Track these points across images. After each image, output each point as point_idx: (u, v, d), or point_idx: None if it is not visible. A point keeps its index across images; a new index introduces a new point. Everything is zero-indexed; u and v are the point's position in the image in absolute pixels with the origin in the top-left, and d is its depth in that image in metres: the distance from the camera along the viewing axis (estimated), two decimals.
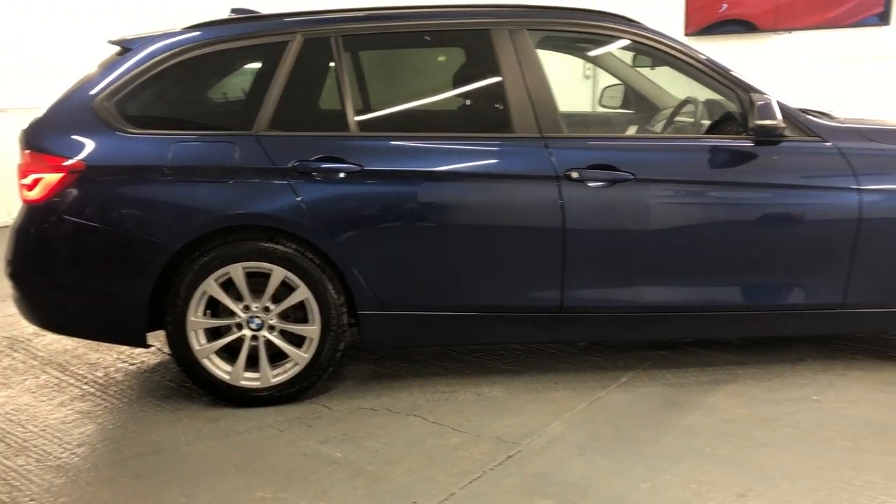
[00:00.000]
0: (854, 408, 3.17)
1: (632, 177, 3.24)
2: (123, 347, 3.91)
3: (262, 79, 3.33)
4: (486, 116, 3.53)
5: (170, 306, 3.22)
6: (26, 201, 3.23)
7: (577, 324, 3.40)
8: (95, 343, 3.95)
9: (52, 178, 3.17)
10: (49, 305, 3.35)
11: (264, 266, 3.22)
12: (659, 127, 4.14)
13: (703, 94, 3.73)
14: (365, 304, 3.29)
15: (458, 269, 3.29)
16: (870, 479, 2.63)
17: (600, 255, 3.31)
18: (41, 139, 3.23)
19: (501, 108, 3.34)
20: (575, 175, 3.22)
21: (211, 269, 3.19)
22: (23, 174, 3.24)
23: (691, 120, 3.86)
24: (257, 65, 3.42)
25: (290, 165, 3.18)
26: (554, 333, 3.46)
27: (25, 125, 3.32)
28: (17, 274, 3.30)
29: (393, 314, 3.32)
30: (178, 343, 3.26)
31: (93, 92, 3.25)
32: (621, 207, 3.27)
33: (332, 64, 3.31)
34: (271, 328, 3.29)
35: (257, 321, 3.28)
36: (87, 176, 3.15)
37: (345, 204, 3.20)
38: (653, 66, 4.18)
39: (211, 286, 3.22)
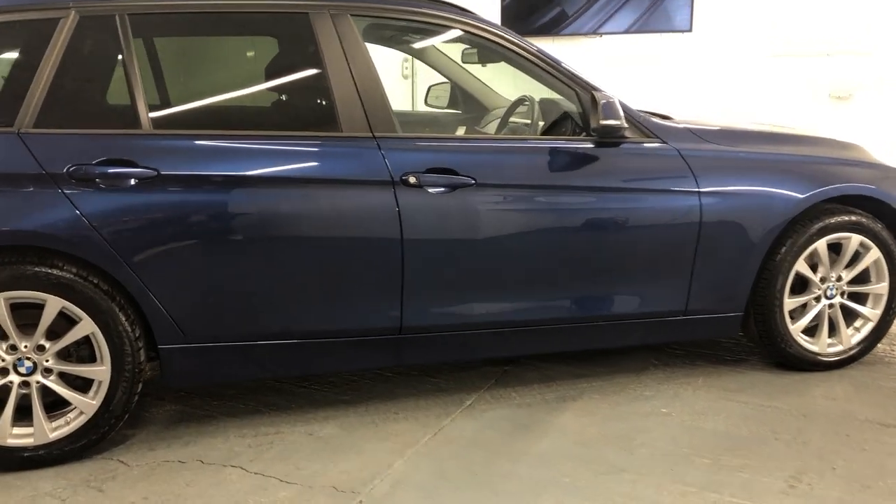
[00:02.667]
0: (704, 420, 3.05)
1: (473, 182, 2.93)
2: None
3: (27, 63, 2.68)
4: (306, 113, 3.09)
5: None
6: None
7: (417, 345, 3.04)
8: None
9: None
10: None
11: (35, 296, 2.59)
12: (491, 128, 3.88)
13: (537, 92, 3.51)
14: (166, 337, 2.74)
15: (277, 290, 2.83)
16: (733, 500, 2.48)
17: (441, 268, 2.97)
18: None
19: (325, 103, 2.92)
20: (413, 180, 2.86)
21: None
22: None
23: (527, 120, 3.63)
24: (18, 46, 2.76)
25: (64, 170, 2.57)
26: (392, 358, 3.08)
27: None
28: None
29: (201, 346, 2.79)
30: None
31: None
32: (462, 215, 2.95)
33: (117, 48, 2.73)
34: (47, 371, 2.67)
35: (28, 364, 2.63)
36: None
37: (137, 217, 2.64)
38: (483, 63, 3.93)
39: None
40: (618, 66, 6.25)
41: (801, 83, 5.92)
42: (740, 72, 6.07)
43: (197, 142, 2.76)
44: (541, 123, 3.43)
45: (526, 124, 3.58)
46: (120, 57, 2.72)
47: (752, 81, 6.03)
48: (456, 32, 3.25)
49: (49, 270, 2.58)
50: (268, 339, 2.86)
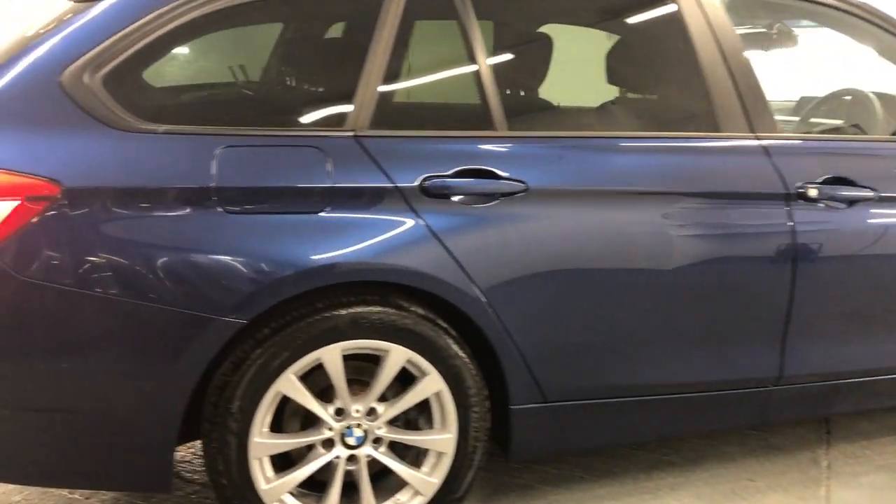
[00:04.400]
0: None
1: (873, 194, 2.34)
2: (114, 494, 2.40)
3: (354, 45, 2.08)
4: (679, 108, 2.47)
5: (218, 423, 1.91)
6: None
7: (791, 399, 2.44)
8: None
9: None
10: None
11: (375, 346, 1.99)
12: (813, 120, 3.23)
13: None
14: (521, 395, 2.14)
15: (650, 333, 2.23)
16: None
17: (832, 301, 2.38)
18: None
19: (698, 97, 2.32)
20: (813, 193, 2.27)
21: (292, 356, 1.92)
22: None
23: (841, 120, 3.03)
24: (345, 21, 2.16)
25: (415, 183, 1.97)
26: (758, 416, 2.48)
27: None
28: None
29: (558, 406, 2.19)
30: (235, 481, 1.94)
31: (55, 61, 1.86)
32: (861, 236, 2.36)
33: (456, 20, 2.12)
34: (376, 441, 2.07)
35: (358, 433, 2.04)
36: (63, 206, 1.78)
37: (501, 244, 2.04)
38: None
39: (289, 383, 1.94)
40: None
41: None
42: None
43: (564, 148, 2.16)
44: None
45: (854, 125, 2.96)
46: (461, 33, 2.11)
47: None
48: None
49: (394, 312, 1.98)
50: (628, 396, 2.27)
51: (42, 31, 1.98)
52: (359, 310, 1.95)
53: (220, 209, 1.84)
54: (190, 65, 2.05)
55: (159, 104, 1.91)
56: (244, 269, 1.84)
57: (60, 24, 1.94)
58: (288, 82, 2.04)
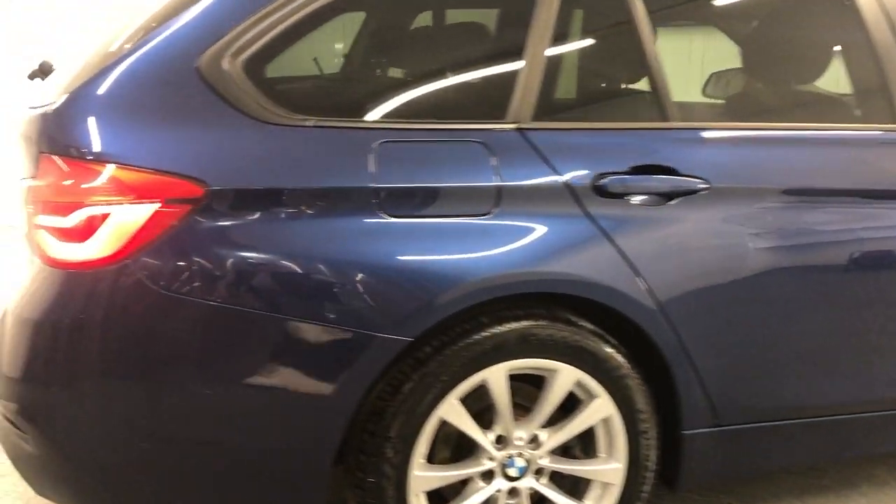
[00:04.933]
0: None
1: None
2: None
3: (512, 30, 1.86)
4: (860, 100, 2.23)
5: (374, 453, 1.68)
6: (61, 263, 1.57)
7: None
8: None
9: (132, 215, 1.54)
10: (125, 472, 1.65)
11: (542, 365, 1.77)
12: None
13: None
14: (695, 419, 1.91)
15: (841, 348, 2.00)
16: None
17: None
18: (100, 138, 1.57)
19: (876, 86, 2.09)
20: None
21: (456, 377, 1.70)
22: (54, 208, 1.58)
23: None
24: (502, 6, 1.93)
25: (588, 181, 1.75)
26: None
27: (37, 111, 1.66)
28: (41, 412, 1.62)
29: (732, 430, 1.96)
30: None
31: (190, 45, 1.63)
32: None
33: (624, 8, 1.90)
34: (537, 472, 1.85)
35: (520, 463, 1.81)
36: (208, 209, 1.55)
37: (681, 248, 1.82)
38: None
39: (453, 408, 1.72)
40: None
41: None
42: None
43: (747, 141, 1.94)
44: None
45: None
46: (629, 13, 1.89)
47: None
48: None
49: (565, 328, 1.76)
50: (801, 418, 2.04)
51: (162, 12, 1.75)
52: (527, 325, 1.73)
53: (380, 213, 1.62)
54: (330, 50, 1.82)
55: (303, 94, 1.69)
56: (409, 280, 1.62)
57: (186, 3, 1.72)
58: (441, 70, 1.82)
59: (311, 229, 1.60)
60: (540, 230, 1.71)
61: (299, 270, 1.58)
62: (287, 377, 1.60)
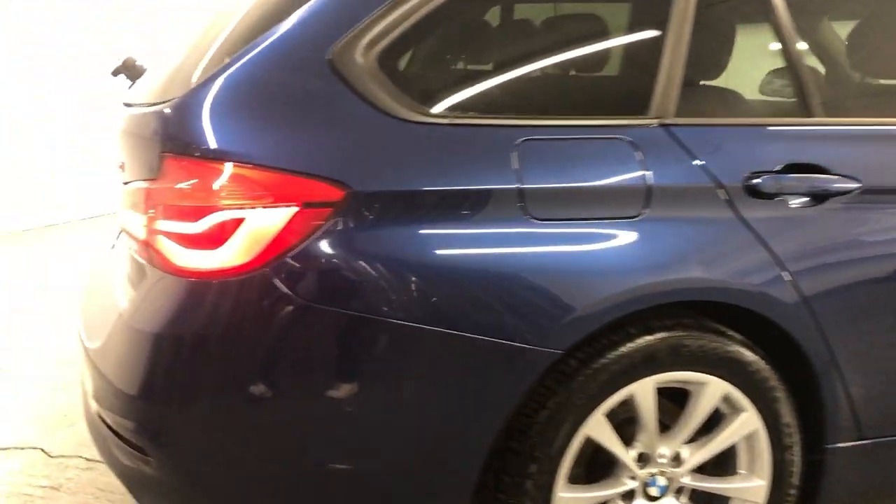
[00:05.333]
0: None
1: None
2: None
3: (651, 20, 1.74)
4: None
5: (519, 474, 1.57)
6: (188, 272, 1.45)
7: None
8: None
9: (269, 220, 1.41)
10: (258, 500, 1.53)
11: (692, 378, 1.65)
12: None
13: None
14: (839, 432, 1.80)
15: None
16: None
17: None
18: (230, 137, 1.45)
19: None
20: None
21: (603, 391, 1.58)
22: (181, 213, 1.45)
23: None
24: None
25: (740, 181, 1.64)
26: None
27: (150, 109, 1.53)
28: (167, 432, 1.50)
29: (874, 443, 1.85)
30: None
31: (320, 35, 1.51)
32: None
33: None
34: (677, 491, 1.73)
35: (661, 482, 1.70)
36: (348, 213, 1.43)
37: (834, 255, 1.70)
38: None
39: (599, 425, 1.61)
40: None
41: None
42: None
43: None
44: None
45: None
46: (770, 11, 1.77)
47: None
48: None
49: (715, 338, 1.65)
50: None
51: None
52: (678, 335, 1.61)
53: (526, 216, 1.50)
54: (461, 42, 1.70)
55: (438, 89, 1.57)
56: (560, 288, 1.50)
57: None
58: (577, 63, 1.70)
59: (454, 234, 1.48)
60: (691, 233, 1.60)
61: (445, 278, 1.46)
62: (432, 394, 1.48)
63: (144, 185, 1.53)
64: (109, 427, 1.60)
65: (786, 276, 1.63)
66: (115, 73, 2.02)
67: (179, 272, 1.45)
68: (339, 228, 1.42)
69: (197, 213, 1.43)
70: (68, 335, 3.65)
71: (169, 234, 1.47)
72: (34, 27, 6.19)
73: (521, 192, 1.50)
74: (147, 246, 1.52)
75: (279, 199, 1.41)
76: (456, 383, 1.49)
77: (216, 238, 1.42)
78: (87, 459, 2.52)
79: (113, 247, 2.44)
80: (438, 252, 1.46)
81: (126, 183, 1.67)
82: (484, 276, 1.47)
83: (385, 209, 1.44)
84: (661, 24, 1.68)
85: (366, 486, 1.51)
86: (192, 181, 1.43)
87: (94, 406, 1.67)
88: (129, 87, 2.07)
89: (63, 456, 2.55)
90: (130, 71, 2.01)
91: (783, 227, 1.65)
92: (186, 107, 1.46)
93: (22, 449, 2.61)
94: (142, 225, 1.54)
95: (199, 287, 1.43)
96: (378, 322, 1.43)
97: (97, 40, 6.61)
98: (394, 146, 1.48)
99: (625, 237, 1.55)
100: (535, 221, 1.50)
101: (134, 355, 1.49)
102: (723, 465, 1.78)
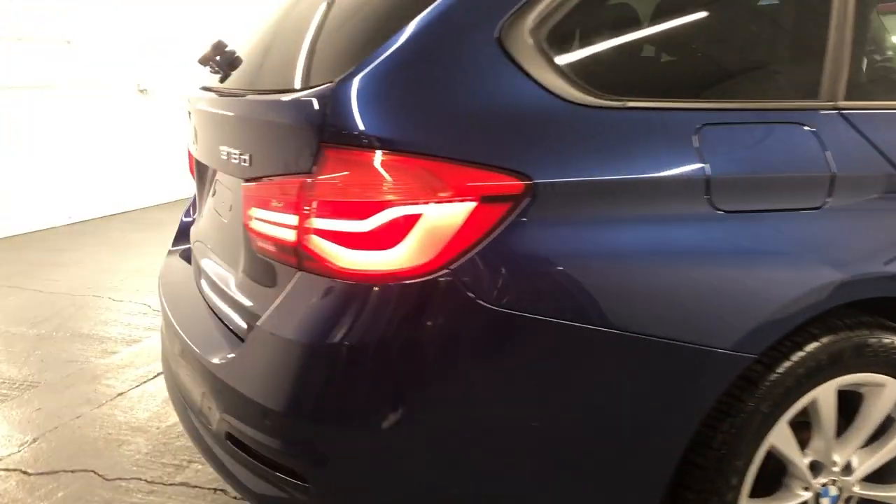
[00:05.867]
0: None
1: None
2: None
3: None
4: None
5: (706, 489, 1.44)
6: (353, 275, 1.28)
7: None
8: None
9: (447, 216, 1.26)
10: None
11: (870, 380, 1.55)
12: None
13: None
14: None
15: None
16: None
17: None
18: (401, 126, 1.28)
19: None
20: None
21: (788, 397, 1.47)
22: (347, 210, 1.29)
23: None
24: None
25: None
26: None
27: (318, 93, 1.36)
28: (329, 454, 1.33)
29: None
30: None
31: (484, 12, 1.35)
32: None
33: None
34: (846, 501, 1.63)
35: (833, 492, 1.59)
36: (531, 208, 1.28)
37: None
38: None
39: (782, 433, 1.49)
40: None
41: None
42: None
43: None
44: None
45: None
46: None
47: None
48: None
49: (887, 337, 1.54)
50: None
51: None
52: (861, 334, 1.50)
53: (713, 208, 1.37)
54: (630, 22, 1.57)
55: (608, 70, 1.43)
56: (754, 286, 1.38)
57: None
58: (745, 44, 1.57)
59: (641, 229, 1.34)
60: (879, 225, 1.49)
61: (634, 277, 1.33)
62: (619, 405, 1.35)
63: (293, 179, 1.36)
64: (247, 450, 1.42)
65: None
66: (206, 60, 1.84)
67: (343, 275, 1.29)
68: (522, 224, 1.28)
69: (367, 210, 1.27)
70: (90, 346, 3.42)
71: (330, 234, 1.30)
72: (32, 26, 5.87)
73: (707, 181, 1.37)
74: (297, 247, 1.35)
75: (457, 193, 1.26)
76: (649, 392, 1.35)
77: (389, 237, 1.26)
78: (149, 482, 2.32)
79: (179, 251, 2.25)
80: (625, 248, 1.33)
81: (252, 179, 1.49)
82: (673, 274, 1.34)
83: (566, 201, 1.30)
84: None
85: None
86: (360, 175, 1.27)
87: (218, 427, 1.50)
88: (216, 71, 1.88)
89: (120, 479, 2.35)
90: (223, 56, 1.82)
91: None
92: (351, 93, 1.29)
93: (72, 472, 2.40)
94: (288, 224, 1.37)
95: (369, 291, 1.27)
96: (567, 327, 1.29)
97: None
98: (570, 132, 1.34)
99: (815, 228, 1.44)
100: (721, 213, 1.38)
101: (288, 368, 1.32)
102: (884, 472, 1.68)
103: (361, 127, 1.27)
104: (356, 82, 1.29)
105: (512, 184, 1.28)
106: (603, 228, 1.32)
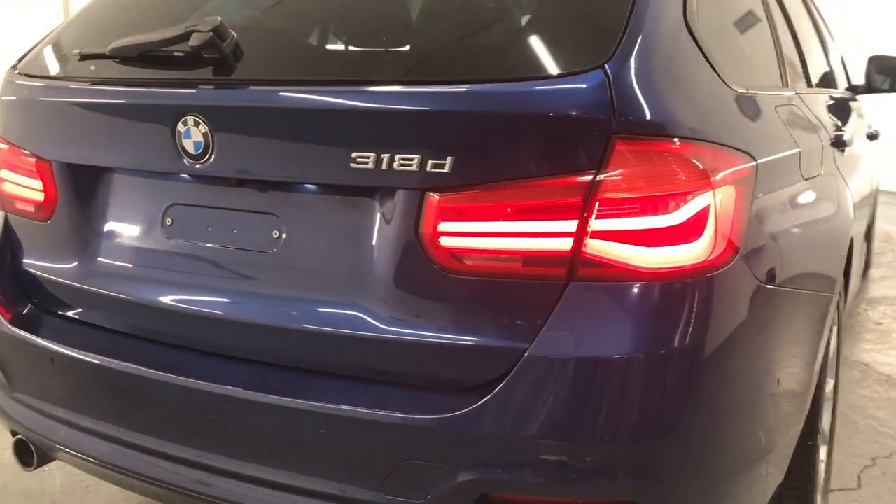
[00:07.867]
0: None
1: None
2: None
3: None
4: None
5: None
6: (657, 274, 1.23)
7: None
8: None
9: (726, 201, 1.30)
10: None
11: None
12: None
13: None
14: None
15: None
16: None
17: None
18: (676, 111, 1.26)
19: None
20: None
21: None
22: (652, 205, 1.22)
23: None
24: None
25: None
26: None
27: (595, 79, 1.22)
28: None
29: None
30: None
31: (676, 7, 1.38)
32: None
33: None
34: None
35: None
36: (761, 187, 1.41)
37: None
38: None
39: None
40: None
41: None
42: None
43: None
44: None
45: None
46: None
47: None
48: None
49: None
50: None
51: None
52: None
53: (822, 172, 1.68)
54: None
55: (736, 60, 1.58)
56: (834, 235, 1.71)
57: None
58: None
59: (802, 194, 1.57)
60: None
61: (815, 240, 1.55)
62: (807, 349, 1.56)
63: (568, 180, 1.20)
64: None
65: None
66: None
67: (648, 276, 1.21)
68: (759, 202, 1.37)
69: (672, 203, 1.21)
70: None
71: (622, 234, 1.20)
72: None
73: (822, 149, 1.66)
74: (572, 256, 1.21)
75: (726, 178, 1.29)
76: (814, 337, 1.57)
77: (696, 228, 1.23)
78: None
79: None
80: (802, 213, 1.54)
81: (448, 188, 1.25)
82: (817, 234, 1.58)
83: (774, 178, 1.44)
84: None
85: None
86: (659, 166, 1.21)
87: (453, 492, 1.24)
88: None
89: None
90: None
91: None
92: (634, 79, 1.20)
93: None
94: (558, 232, 1.21)
95: (684, 288, 1.22)
96: (799, 294, 1.44)
97: None
98: (750, 115, 1.47)
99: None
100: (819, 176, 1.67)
101: (600, 388, 1.19)
102: None
103: (653, 115, 1.20)
104: (634, 67, 1.21)
105: (750, 165, 1.35)
106: (786, 200, 1.49)
